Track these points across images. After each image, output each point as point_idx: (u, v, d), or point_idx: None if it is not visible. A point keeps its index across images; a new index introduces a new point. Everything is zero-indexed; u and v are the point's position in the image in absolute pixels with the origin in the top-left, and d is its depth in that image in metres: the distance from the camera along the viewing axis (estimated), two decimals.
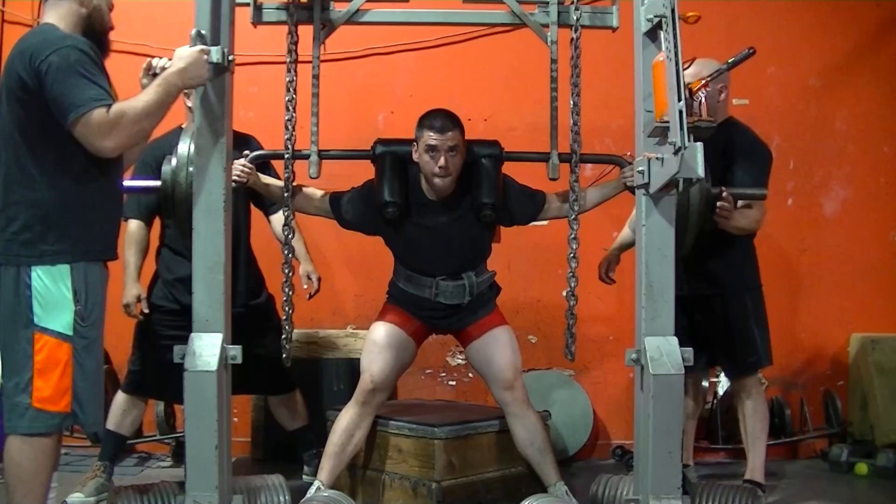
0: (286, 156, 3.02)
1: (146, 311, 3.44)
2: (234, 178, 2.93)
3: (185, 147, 2.76)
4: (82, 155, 2.41)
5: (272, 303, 3.65)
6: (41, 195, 2.38)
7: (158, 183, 2.85)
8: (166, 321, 3.45)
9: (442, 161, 2.98)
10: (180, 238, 3.36)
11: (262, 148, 3.64)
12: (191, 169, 2.63)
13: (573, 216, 3.04)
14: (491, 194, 3.05)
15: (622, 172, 3.05)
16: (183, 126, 3.57)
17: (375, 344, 3.13)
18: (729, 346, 3.40)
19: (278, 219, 3.59)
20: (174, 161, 2.79)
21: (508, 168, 3.21)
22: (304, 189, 3.17)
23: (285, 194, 3.04)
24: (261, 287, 3.64)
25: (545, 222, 4.39)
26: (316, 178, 3.09)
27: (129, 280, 3.44)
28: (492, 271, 3.24)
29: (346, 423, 3.07)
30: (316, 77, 3.02)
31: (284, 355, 3.04)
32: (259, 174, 3.13)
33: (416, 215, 3.10)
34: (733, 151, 3.28)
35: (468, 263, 3.15)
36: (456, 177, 3.05)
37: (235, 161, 2.98)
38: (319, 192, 3.19)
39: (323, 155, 3.16)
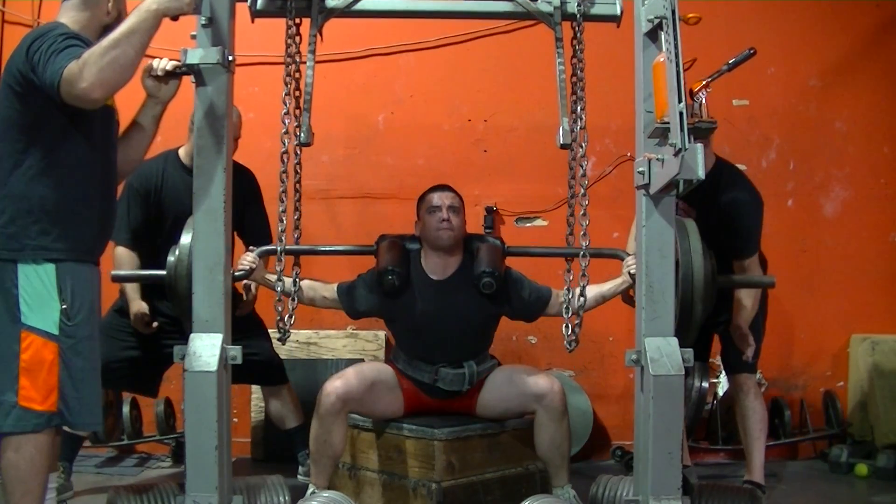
0: (279, 251, 2.92)
1: (156, 324, 3.44)
2: (240, 270, 2.94)
3: (187, 238, 2.68)
4: (74, 154, 2.41)
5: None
6: (30, 190, 2.38)
7: (163, 273, 2.82)
8: (129, 325, 3.45)
9: (444, 214, 3.06)
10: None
11: (256, 183, 3.68)
12: (191, 259, 2.58)
13: (573, 317, 2.91)
14: (490, 265, 3.07)
15: (625, 264, 3.02)
16: (179, 152, 3.58)
17: (361, 365, 3.16)
18: (730, 342, 3.43)
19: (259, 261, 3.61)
20: (177, 252, 2.75)
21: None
22: (310, 282, 3.15)
23: (277, 283, 2.93)
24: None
25: (546, 222, 4.44)
26: (308, 143, 2.85)
27: (133, 302, 3.42)
28: (494, 359, 3.24)
29: (314, 431, 3.02)
30: (312, 52, 2.90)
31: (280, 336, 2.93)
32: (266, 270, 3.11)
33: (418, 294, 3.11)
34: (727, 211, 3.30)
35: (469, 350, 3.15)
36: (458, 239, 3.10)
37: (244, 255, 3.02)
38: (327, 284, 3.19)
39: (325, 251, 3.35)
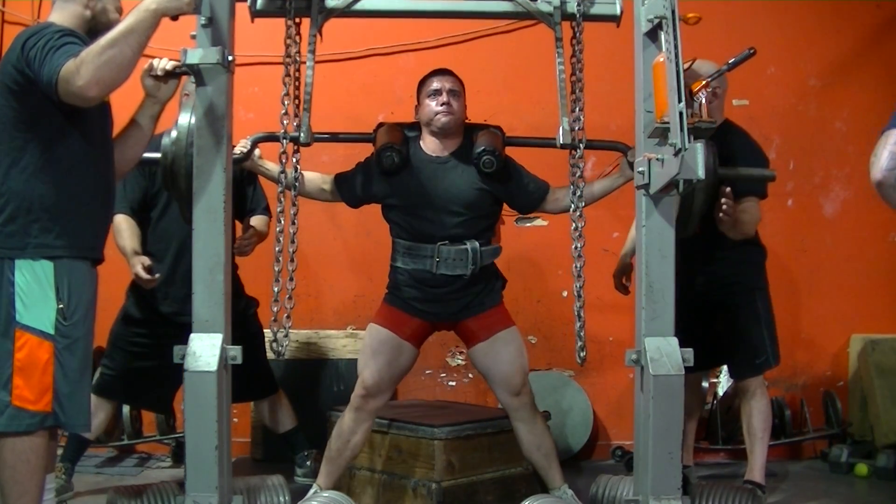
0: (282, 140, 2.83)
1: (157, 274, 3.35)
2: (235, 154, 2.86)
3: (185, 118, 2.65)
4: (72, 151, 2.41)
5: (252, 309, 3.63)
6: (29, 187, 2.38)
7: (157, 155, 2.75)
8: (138, 331, 3.45)
9: (444, 98, 3.03)
10: (158, 241, 3.32)
11: (256, 179, 3.63)
12: (191, 140, 2.56)
13: (577, 213, 2.82)
14: (490, 144, 3.03)
15: (625, 158, 2.98)
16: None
17: (368, 348, 3.06)
18: (737, 347, 3.39)
19: (259, 219, 3.61)
20: (174, 133, 2.69)
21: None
22: (309, 173, 3.12)
23: (280, 175, 2.84)
24: (239, 293, 3.53)
25: (545, 222, 4.43)
26: (307, 143, 2.86)
27: (131, 257, 3.36)
28: (497, 245, 3.15)
29: (343, 429, 3.01)
30: (312, 52, 2.90)
31: (281, 350, 2.82)
32: (261, 159, 3.07)
33: (417, 171, 3.04)
34: (732, 157, 3.28)
35: (470, 227, 3.03)
36: (458, 121, 3.06)
37: (238, 143, 2.95)
38: (325, 176, 3.15)
39: (323, 138, 3.10)
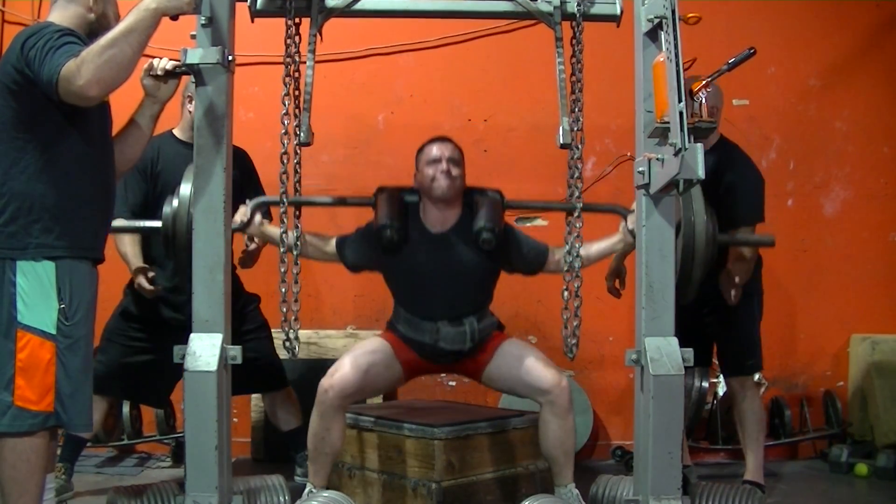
0: (283, 202, 2.89)
1: (158, 284, 3.38)
2: (235, 222, 2.94)
3: (186, 188, 2.66)
4: (72, 150, 2.41)
5: (254, 304, 3.65)
6: (29, 188, 2.37)
7: (158, 224, 2.80)
8: (136, 326, 3.45)
9: (444, 166, 3.01)
10: (159, 245, 3.32)
11: (252, 164, 3.65)
12: (191, 211, 2.58)
13: (574, 273, 2.91)
14: (489, 220, 3.03)
15: (624, 223, 3.02)
16: (173, 130, 3.58)
17: (360, 347, 3.10)
18: (731, 346, 3.45)
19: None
20: (175, 202, 2.73)
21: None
22: (310, 236, 3.15)
23: (282, 236, 2.91)
24: (238, 292, 3.52)
25: (546, 222, 4.43)
26: (308, 143, 2.85)
27: (132, 263, 3.38)
28: (494, 317, 3.19)
29: (313, 428, 3.00)
30: (312, 52, 2.89)
31: (295, 350, 2.94)
32: (264, 222, 3.11)
33: (417, 248, 3.07)
34: (729, 180, 3.32)
35: (469, 305, 3.09)
36: (458, 190, 3.06)
37: (238, 211, 3.01)
38: (327, 238, 3.19)
39: (323, 202, 3.33)
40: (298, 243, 2.97)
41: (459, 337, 3.05)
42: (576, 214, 2.93)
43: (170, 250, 2.81)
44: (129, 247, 3.41)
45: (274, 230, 3.04)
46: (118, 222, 3.36)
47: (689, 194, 2.75)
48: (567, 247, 2.95)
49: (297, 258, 2.96)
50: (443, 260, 3.05)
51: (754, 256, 3.38)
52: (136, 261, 3.41)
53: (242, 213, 3.03)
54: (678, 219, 2.67)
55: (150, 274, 3.37)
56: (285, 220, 2.89)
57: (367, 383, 3.03)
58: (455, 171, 3.05)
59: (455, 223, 3.09)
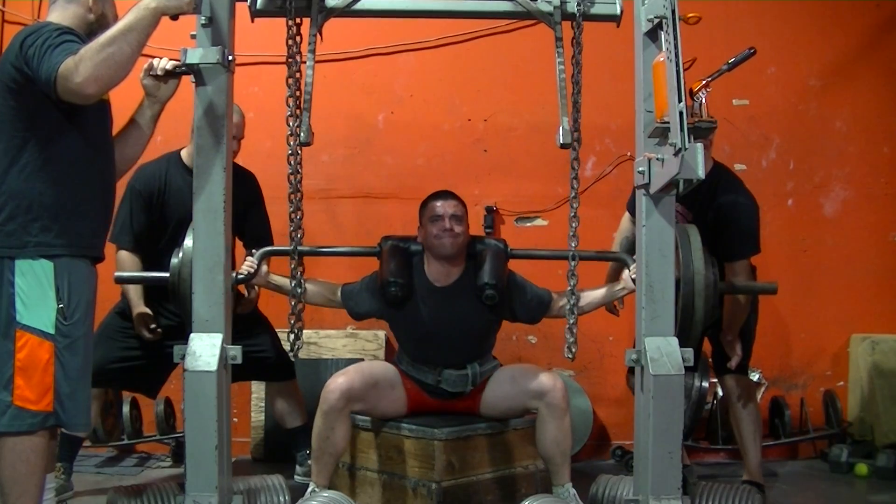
0: (293, 254, 2.92)
1: (160, 329, 3.40)
2: (242, 274, 2.97)
3: (190, 241, 2.66)
4: (71, 149, 2.41)
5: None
6: (28, 186, 2.38)
7: (167, 275, 2.82)
8: (131, 328, 3.42)
9: (447, 223, 3.05)
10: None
11: (258, 186, 3.65)
12: (193, 264, 2.58)
13: (572, 320, 2.91)
14: (493, 276, 3.07)
15: (629, 270, 3.00)
16: (181, 153, 3.56)
17: (368, 364, 3.19)
18: (720, 345, 3.44)
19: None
20: (181, 255, 2.75)
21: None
22: (314, 285, 3.18)
23: (291, 287, 2.95)
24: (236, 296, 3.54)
25: (546, 221, 4.44)
26: (308, 143, 2.82)
27: (135, 306, 3.38)
28: (496, 360, 3.25)
29: (317, 428, 3.02)
30: (312, 52, 2.88)
31: (298, 348, 2.93)
32: (270, 274, 3.11)
33: (421, 302, 3.12)
34: (724, 208, 3.31)
35: (472, 353, 3.16)
36: (461, 247, 3.09)
37: (245, 259, 3.04)
38: (332, 286, 3.22)
39: (329, 252, 3.37)
40: (303, 289, 2.99)
41: (461, 380, 3.14)
42: (574, 157, 2.89)
43: (175, 299, 2.82)
44: (132, 290, 3.40)
45: (280, 279, 3.09)
46: (123, 259, 3.40)
47: (688, 238, 2.74)
48: (569, 289, 2.93)
49: (302, 296, 2.98)
50: (446, 313, 3.10)
51: (749, 300, 3.37)
52: (139, 304, 3.39)
53: (249, 265, 3.02)
54: (677, 275, 2.65)
55: (152, 325, 3.38)
56: (295, 271, 2.92)
57: (372, 396, 3.07)
58: (458, 229, 3.08)
59: (458, 277, 3.14)
